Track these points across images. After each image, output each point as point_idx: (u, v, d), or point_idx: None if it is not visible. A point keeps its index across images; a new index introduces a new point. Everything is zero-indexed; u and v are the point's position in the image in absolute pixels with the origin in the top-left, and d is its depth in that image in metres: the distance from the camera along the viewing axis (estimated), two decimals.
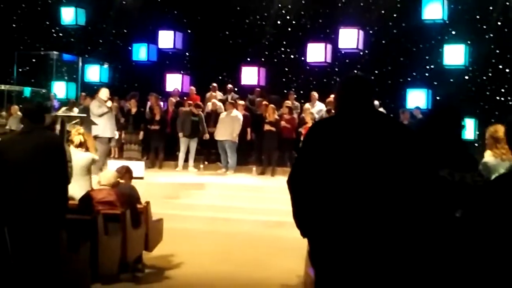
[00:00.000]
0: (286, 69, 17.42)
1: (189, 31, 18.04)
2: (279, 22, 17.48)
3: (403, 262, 3.17)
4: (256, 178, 12.87)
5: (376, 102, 12.51)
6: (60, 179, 4.92)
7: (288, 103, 13.91)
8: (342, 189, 3.13)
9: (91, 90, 16.35)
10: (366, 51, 16.18)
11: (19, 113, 14.15)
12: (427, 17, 15.54)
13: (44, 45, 19.10)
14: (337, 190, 3.14)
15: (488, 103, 15.33)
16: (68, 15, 18.18)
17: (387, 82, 15.93)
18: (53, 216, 4.84)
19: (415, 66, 16.17)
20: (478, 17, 15.63)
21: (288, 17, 17.37)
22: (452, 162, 3.20)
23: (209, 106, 14.71)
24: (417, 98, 15.46)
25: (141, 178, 10.90)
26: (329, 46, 16.05)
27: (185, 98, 15.38)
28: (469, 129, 13.83)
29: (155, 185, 11.10)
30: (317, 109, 14.12)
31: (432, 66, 16.14)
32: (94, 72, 18.36)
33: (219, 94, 15.54)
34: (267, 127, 13.08)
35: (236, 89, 16.05)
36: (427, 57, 16.10)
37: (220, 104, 14.57)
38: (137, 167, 10.66)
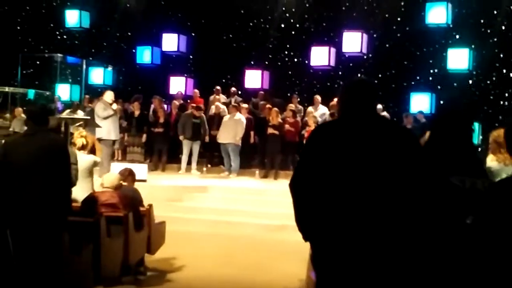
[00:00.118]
0: (290, 72, 17.42)
1: (193, 34, 18.07)
2: (283, 26, 17.48)
3: (405, 267, 3.16)
4: (259, 181, 12.87)
5: (380, 106, 12.51)
6: (63, 181, 4.92)
7: (292, 106, 13.91)
8: (344, 193, 3.14)
9: (95, 93, 16.38)
10: (370, 55, 16.18)
11: (23, 115, 14.17)
12: (431, 21, 15.54)
13: (48, 47, 19.15)
14: (339, 194, 3.15)
15: (492, 108, 15.30)
16: (73, 17, 18.25)
17: (390, 86, 15.91)
18: (55, 218, 4.85)
19: (419, 70, 16.16)
20: (482, 21, 15.59)
21: (292, 21, 17.37)
22: (462, 168, 3.17)
23: (212, 109, 14.72)
24: (420, 102, 15.44)
25: (144, 180, 10.95)
26: (333, 50, 16.07)
27: (188, 101, 15.40)
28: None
29: (158, 187, 11.11)
30: (320, 112, 14.13)
31: (436, 70, 16.12)
32: (98, 75, 18.40)
33: (222, 97, 15.55)
34: (270, 130, 13.08)
35: (239, 92, 16.06)
36: (431, 61, 16.08)
37: (223, 107, 14.58)
38: (140, 169, 10.71)
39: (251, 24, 17.73)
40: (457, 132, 3.27)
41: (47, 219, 4.78)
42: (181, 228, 9.04)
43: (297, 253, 6.16)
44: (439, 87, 15.88)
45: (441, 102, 15.44)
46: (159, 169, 14.07)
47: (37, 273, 4.79)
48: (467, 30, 15.55)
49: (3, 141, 6.77)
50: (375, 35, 16.38)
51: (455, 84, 15.60)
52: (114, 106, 12.30)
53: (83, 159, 7.13)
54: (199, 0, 17.23)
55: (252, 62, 16.99)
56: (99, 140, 11.46)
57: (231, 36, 17.77)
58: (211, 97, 15.66)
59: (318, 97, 14.68)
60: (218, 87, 15.73)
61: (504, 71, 15.65)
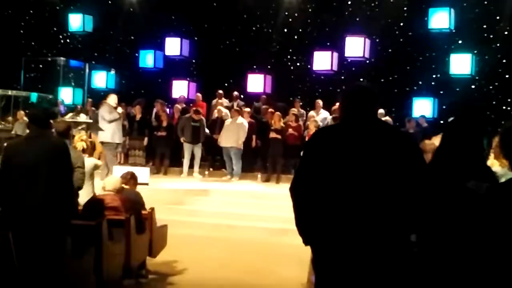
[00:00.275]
0: (292, 77, 17.43)
1: (196, 38, 18.11)
2: (285, 30, 17.51)
3: (406, 271, 3.17)
4: (261, 185, 12.88)
5: (382, 111, 12.51)
6: (66, 184, 4.92)
7: (294, 110, 13.92)
8: (344, 197, 3.15)
9: (97, 96, 16.42)
10: (373, 60, 16.19)
11: (25, 118, 14.21)
12: (433, 26, 15.55)
13: (51, 51, 19.22)
14: (339, 198, 3.16)
15: (495, 113, 15.28)
16: (76, 21, 18.29)
17: (393, 90, 15.92)
18: (57, 222, 4.85)
19: (421, 75, 16.16)
20: (485, 26, 15.60)
21: (294, 25, 17.40)
22: (475, 174, 3.16)
23: (215, 113, 14.73)
24: (423, 107, 15.45)
25: (146, 184, 10.92)
26: (335, 54, 16.08)
27: (191, 104, 15.42)
28: None
29: (160, 191, 11.11)
30: (321, 117, 14.13)
31: (438, 75, 16.12)
32: (101, 78, 18.47)
33: (225, 101, 15.56)
34: (272, 134, 13.09)
35: (242, 96, 16.08)
36: (433, 66, 16.09)
37: (226, 111, 14.59)
38: (142, 173, 10.67)
39: (254, 28, 17.76)
40: (471, 137, 3.25)
41: (49, 222, 4.78)
42: (183, 232, 9.06)
43: (299, 257, 6.17)
44: (441, 92, 15.88)
45: (444, 106, 15.44)
46: (161, 172, 14.08)
47: (39, 277, 4.79)
48: (470, 35, 15.56)
49: (5, 144, 6.78)
50: (377, 40, 16.39)
51: (457, 89, 15.60)
52: (119, 109, 12.34)
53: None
54: (202, 5, 17.27)
55: (255, 66, 17.00)
56: (103, 143, 11.53)
57: (234, 40, 17.80)
58: (214, 101, 15.68)
59: (319, 102, 14.69)
60: (221, 91, 15.75)
61: (507, 76, 15.64)
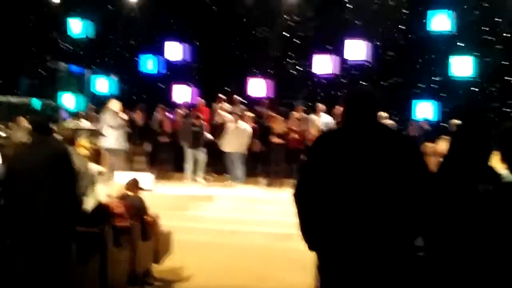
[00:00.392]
0: (293, 80, 17.44)
1: (197, 42, 18.11)
2: (286, 34, 17.52)
3: (410, 274, 3.18)
4: (264, 190, 12.85)
5: (384, 114, 12.50)
6: (69, 191, 4.89)
7: (297, 114, 13.90)
8: (347, 202, 3.17)
9: (99, 102, 16.41)
10: (373, 63, 16.19)
11: (26, 124, 14.17)
12: (434, 29, 15.57)
13: (52, 56, 19.22)
14: (343, 202, 3.17)
15: (496, 115, 15.29)
16: (76, 27, 18.30)
17: (394, 93, 15.92)
18: (62, 229, 4.83)
19: (422, 77, 16.18)
20: (486, 28, 15.61)
21: (295, 29, 17.41)
22: (487, 176, 3.17)
23: (216, 117, 14.70)
24: (424, 110, 15.46)
25: (150, 190, 10.90)
26: (336, 58, 16.08)
27: (192, 109, 15.40)
28: None
29: (163, 197, 11.08)
30: (323, 121, 14.11)
31: (439, 78, 16.13)
32: (102, 84, 18.46)
33: (226, 106, 15.54)
34: (275, 139, 13.07)
35: (243, 101, 16.07)
36: (434, 69, 16.10)
37: (228, 115, 14.56)
38: (146, 179, 10.66)
39: (254, 32, 17.77)
40: (481, 140, 3.26)
41: (53, 229, 4.76)
42: (187, 237, 9.02)
43: (303, 262, 6.11)
44: (443, 94, 15.89)
45: (445, 109, 15.44)
46: (164, 178, 14.04)
47: (44, 284, 4.77)
48: (470, 37, 15.57)
49: (6, 150, 6.78)
50: (378, 43, 16.39)
51: (459, 92, 15.61)
52: (124, 115, 12.30)
53: None
54: (202, 9, 17.30)
55: (256, 71, 17.01)
56: (109, 150, 11.50)
57: (234, 44, 17.81)
58: (215, 106, 15.65)
59: (320, 105, 14.67)
60: (222, 96, 15.73)
61: (508, 78, 15.65)
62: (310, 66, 16.63)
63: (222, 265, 7.94)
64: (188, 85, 17.47)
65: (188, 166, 13.72)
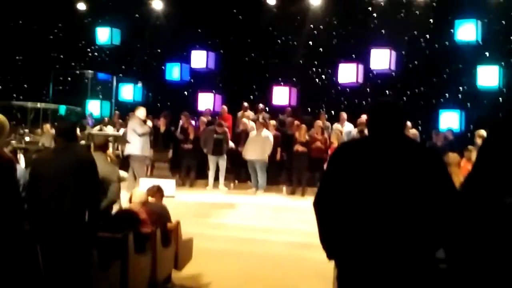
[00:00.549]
0: (318, 89, 17.44)
1: (222, 51, 18.22)
2: (310, 43, 17.54)
3: (431, 286, 3.15)
4: (286, 198, 12.86)
5: (409, 123, 12.43)
6: (91, 197, 4.94)
7: (320, 123, 13.88)
8: (368, 212, 3.15)
9: (125, 109, 16.59)
10: (398, 72, 16.11)
11: (52, 130, 14.39)
12: (460, 38, 15.46)
13: (79, 64, 19.52)
14: (363, 213, 3.16)
15: None
16: (104, 35, 18.56)
17: (419, 103, 15.83)
18: (84, 234, 4.88)
19: (448, 87, 16.05)
20: None
21: (319, 37, 17.42)
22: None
23: (240, 125, 14.77)
24: (450, 120, 15.32)
25: (172, 196, 10.99)
26: (360, 67, 16.04)
27: (216, 117, 15.49)
28: None
29: (185, 204, 11.16)
30: (346, 129, 14.09)
31: (465, 88, 15.99)
32: (128, 91, 18.68)
33: (250, 114, 15.60)
34: (298, 147, 13.08)
35: (267, 108, 16.12)
36: (460, 78, 15.96)
37: (251, 123, 14.61)
38: (168, 185, 10.77)
39: (279, 41, 17.83)
40: (508, 151, 3.21)
41: (75, 236, 4.81)
42: (208, 245, 9.04)
43: (323, 272, 6.12)
44: (468, 104, 15.75)
45: (471, 119, 15.27)
46: (187, 185, 14.14)
47: None
48: (497, 47, 15.42)
49: (33, 156, 6.88)
50: (403, 52, 16.31)
51: (484, 102, 15.45)
52: (149, 123, 12.44)
53: None
54: (227, 18, 17.40)
55: (280, 79, 17.05)
56: (131, 156, 11.61)
57: (259, 53, 17.88)
58: (239, 114, 15.72)
59: (344, 114, 14.66)
60: (246, 104, 15.79)
61: None
62: (334, 74, 16.62)
63: (242, 273, 7.94)
64: (212, 93, 17.58)
65: (211, 173, 13.80)
